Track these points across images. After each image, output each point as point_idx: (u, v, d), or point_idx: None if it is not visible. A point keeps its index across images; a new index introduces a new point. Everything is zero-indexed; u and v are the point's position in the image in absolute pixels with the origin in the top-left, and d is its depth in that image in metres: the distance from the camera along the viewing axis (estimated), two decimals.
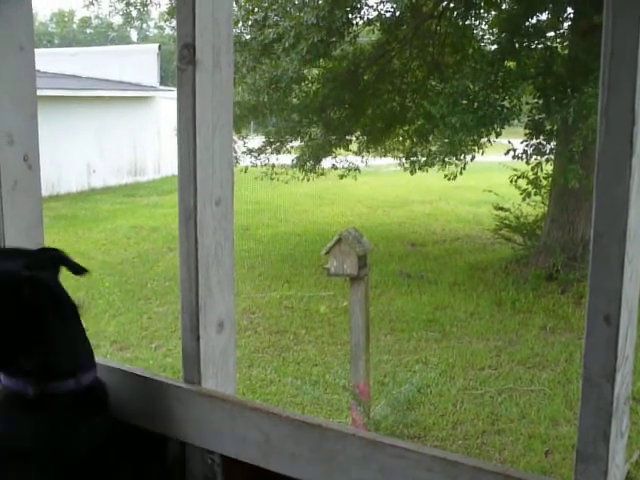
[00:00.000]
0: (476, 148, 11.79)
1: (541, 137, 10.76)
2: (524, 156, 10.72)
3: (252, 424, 1.65)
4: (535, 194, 11.01)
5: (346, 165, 14.47)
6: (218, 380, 1.75)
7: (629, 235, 1.22)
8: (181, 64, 1.68)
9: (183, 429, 1.76)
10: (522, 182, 10.90)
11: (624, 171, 1.20)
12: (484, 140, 11.21)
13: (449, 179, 11.54)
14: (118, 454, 1.80)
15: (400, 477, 1.46)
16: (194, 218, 1.70)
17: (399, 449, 1.48)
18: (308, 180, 13.92)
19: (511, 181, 10.94)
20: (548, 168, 11.05)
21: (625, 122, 1.19)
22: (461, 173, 11.36)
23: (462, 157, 11.47)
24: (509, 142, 10.81)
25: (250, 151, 13.67)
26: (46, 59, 24.81)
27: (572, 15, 11.41)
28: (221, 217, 1.74)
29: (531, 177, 10.78)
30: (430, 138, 13.10)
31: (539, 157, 10.74)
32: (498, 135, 10.66)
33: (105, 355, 8.22)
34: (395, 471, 1.47)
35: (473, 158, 11.69)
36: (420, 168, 13.08)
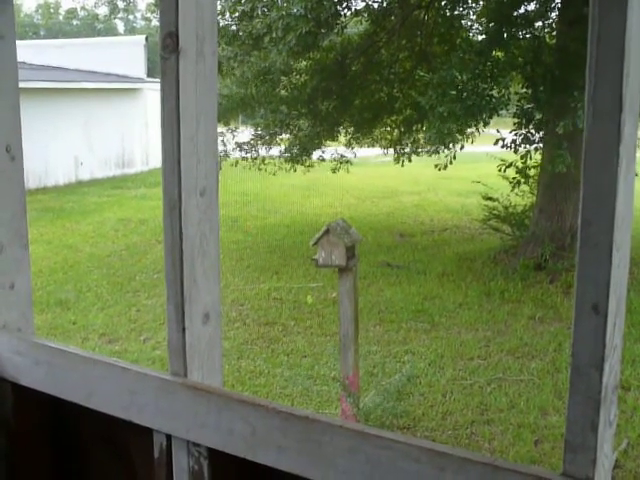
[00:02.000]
0: (465, 138, 11.81)
1: (530, 126, 10.76)
2: (513, 145, 10.72)
3: (239, 416, 1.64)
4: (524, 183, 11.02)
5: (336, 157, 14.48)
6: (204, 372, 1.74)
7: (617, 222, 1.21)
8: (164, 53, 1.65)
9: (169, 422, 1.74)
10: (511, 172, 10.90)
11: (612, 158, 1.19)
12: (472, 130, 11.22)
13: (439, 169, 11.55)
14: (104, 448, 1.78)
15: (387, 468, 1.45)
16: (178, 209, 1.68)
17: (386, 440, 1.47)
18: (295, 171, 13.92)
19: (499, 170, 10.95)
20: (537, 157, 11.06)
21: (612, 108, 1.18)
22: (451, 163, 11.37)
23: (451, 146, 11.48)
24: (498, 131, 10.80)
25: (239, 145, 13.66)
26: (32, 51, 24.70)
27: (560, 5, 11.41)
28: (206, 207, 1.73)
29: (520, 166, 10.79)
30: (418, 128, 13.13)
31: (528, 146, 10.75)
32: (486, 125, 10.66)
33: (93, 348, 8.21)
34: (382, 462, 1.46)
35: (462, 147, 11.70)
36: (409, 159, 13.10)
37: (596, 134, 1.20)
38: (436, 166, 11.63)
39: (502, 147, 10.79)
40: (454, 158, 11.38)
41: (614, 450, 5.71)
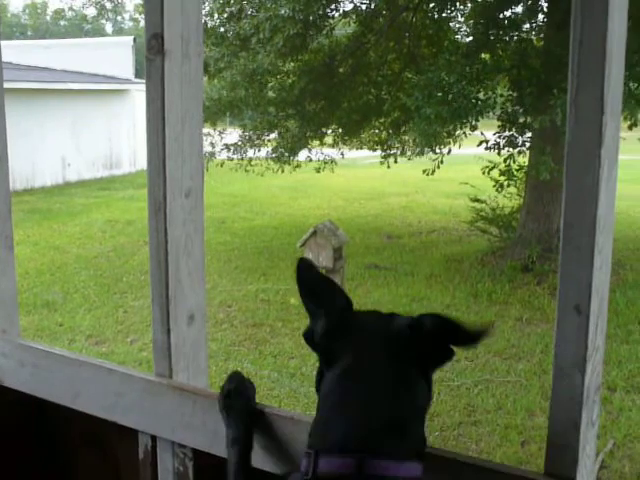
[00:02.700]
0: (452, 141, 11.83)
1: (513, 129, 10.80)
2: (496, 147, 10.76)
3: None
4: (508, 185, 11.05)
5: (324, 158, 14.48)
6: (189, 373, 1.74)
7: (599, 225, 1.22)
8: (150, 54, 1.66)
9: (154, 423, 1.74)
10: (495, 173, 10.94)
11: (593, 161, 1.20)
12: (459, 132, 11.23)
13: (428, 174, 11.57)
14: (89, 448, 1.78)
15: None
16: (164, 210, 1.69)
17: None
18: (283, 172, 13.91)
19: (484, 172, 10.98)
20: (521, 160, 11.09)
21: (594, 111, 1.19)
22: (439, 167, 11.38)
23: (439, 150, 11.50)
24: (482, 133, 10.83)
25: (227, 146, 13.65)
26: (19, 51, 24.60)
27: (546, 8, 11.45)
28: (191, 209, 1.73)
29: (504, 169, 10.82)
30: (406, 130, 13.15)
31: (511, 149, 10.78)
32: (474, 128, 10.68)
33: (80, 350, 8.18)
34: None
35: (450, 151, 11.72)
36: (395, 160, 13.11)
37: (578, 137, 1.21)
38: (424, 171, 11.64)
39: (485, 149, 10.83)
40: (442, 162, 11.39)
41: (600, 451, 5.73)
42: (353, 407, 1.23)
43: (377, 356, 1.28)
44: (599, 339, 1.29)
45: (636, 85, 9.46)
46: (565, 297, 1.27)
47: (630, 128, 10.08)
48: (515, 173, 10.86)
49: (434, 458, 1.40)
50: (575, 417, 1.28)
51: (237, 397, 1.57)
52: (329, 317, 1.32)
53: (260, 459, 1.58)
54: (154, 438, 1.80)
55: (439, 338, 1.29)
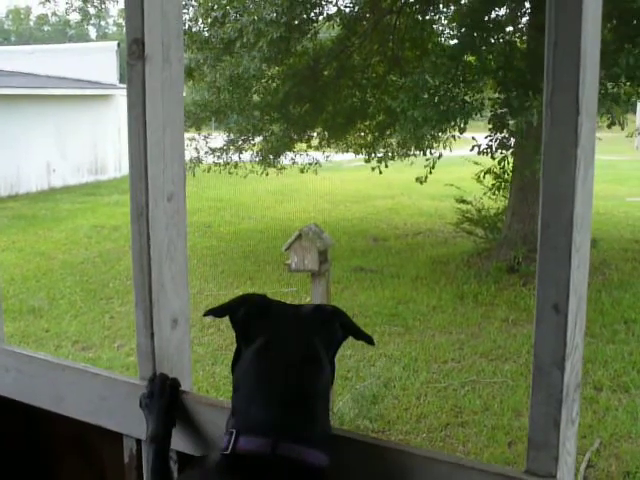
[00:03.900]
0: (442, 144, 11.78)
1: (504, 131, 10.84)
2: (489, 151, 10.79)
3: (208, 420, 1.64)
4: (504, 188, 11.12)
5: (309, 161, 14.49)
6: (173, 377, 1.74)
7: (576, 224, 1.23)
8: (130, 59, 1.66)
9: (139, 426, 1.74)
10: (489, 177, 10.99)
11: (569, 161, 1.21)
12: (449, 135, 11.21)
13: (421, 182, 11.52)
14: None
15: (355, 468, 1.47)
16: (146, 215, 1.69)
17: (355, 442, 1.49)
18: (267, 175, 13.89)
19: (478, 178, 11.03)
20: (511, 161, 11.15)
21: (570, 112, 1.21)
22: (431, 172, 11.34)
23: (430, 153, 11.50)
24: (473, 138, 10.87)
25: (212, 150, 13.63)
26: (2, 57, 24.52)
27: (530, 10, 11.51)
28: (173, 213, 1.73)
29: (498, 172, 10.87)
30: (391, 132, 13.14)
31: (505, 151, 10.83)
32: (463, 131, 10.69)
33: (67, 355, 8.15)
34: (351, 463, 1.48)
35: (440, 156, 11.68)
36: (386, 164, 13.08)
37: (554, 137, 1.23)
38: (417, 179, 11.58)
39: (478, 154, 10.86)
40: (433, 168, 11.35)
41: (587, 450, 5.76)
42: (270, 389, 1.37)
43: (291, 334, 1.46)
44: (578, 337, 1.31)
45: (613, 85, 9.54)
46: (543, 296, 1.29)
47: (609, 127, 10.15)
48: (508, 175, 10.93)
49: (412, 456, 1.41)
50: (555, 415, 1.29)
51: (158, 397, 1.66)
52: (250, 301, 1.54)
53: (183, 444, 1.65)
54: (139, 442, 1.80)
55: (336, 321, 1.49)
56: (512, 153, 10.95)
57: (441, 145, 11.72)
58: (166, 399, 1.65)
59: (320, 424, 1.38)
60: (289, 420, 1.34)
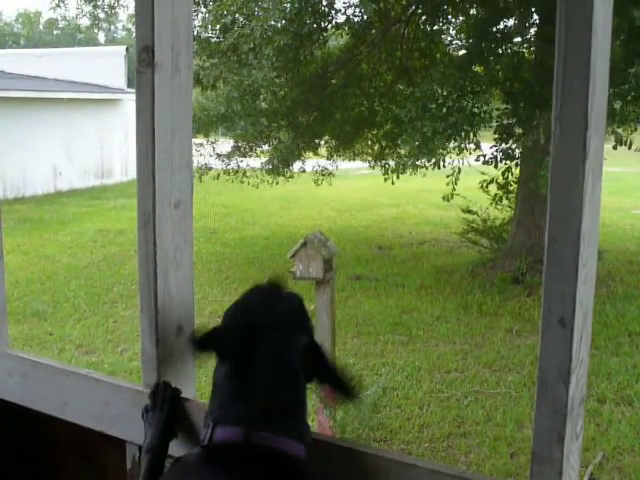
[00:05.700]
0: (451, 155, 11.71)
1: (510, 142, 10.83)
2: (493, 161, 10.78)
3: None
4: (506, 199, 11.09)
5: (318, 169, 14.50)
6: (177, 384, 1.74)
7: (583, 239, 1.23)
8: (140, 67, 1.67)
9: (141, 433, 1.74)
10: (492, 187, 10.97)
11: (577, 175, 1.21)
12: (462, 146, 11.11)
13: (448, 200, 11.19)
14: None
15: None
16: (152, 221, 1.69)
17: (357, 452, 1.48)
18: (277, 184, 13.90)
19: (482, 187, 11.01)
20: (518, 173, 11.14)
21: (578, 127, 1.20)
22: (454, 189, 11.08)
23: (441, 163, 11.35)
24: (477, 147, 10.85)
25: (220, 156, 13.64)
26: (12, 60, 24.60)
27: (538, 21, 11.51)
28: (180, 220, 1.73)
29: (501, 182, 10.84)
30: (399, 142, 13.10)
31: (509, 162, 10.81)
32: (477, 147, 10.65)
33: (70, 359, 8.15)
34: (352, 474, 1.48)
35: (460, 171, 11.42)
36: (397, 175, 12.99)
37: (562, 152, 1.23)
38: (444, 197, 11.31)
39: (483, 163, 10.84)
40: (456, 183, 11.10)
41: (590, 463, 5.74)
42: (245, 384, 1.42)
43: (269, 341, 1.47)
44: (583, 352, 1.30)
45: (620, 104, 9.50)
46: (549, 310, 1.28)
47: (615, 148, 10.07)
48: (512, 186, 10.91)
49: (416, 469, 1.41)
50: (559, 429, 1.29)
51: (159, 412, 1.67)
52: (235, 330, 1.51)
53: (184, 451, 1.64)
54: (142, 449, 1.80)
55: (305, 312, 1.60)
56: (516, 164, 10.93)
57: (456, 154, 11.58)
58: (165, 413, 1.67)
59: (295, 415, 1.45)
60: (263, 410, 1.40)
